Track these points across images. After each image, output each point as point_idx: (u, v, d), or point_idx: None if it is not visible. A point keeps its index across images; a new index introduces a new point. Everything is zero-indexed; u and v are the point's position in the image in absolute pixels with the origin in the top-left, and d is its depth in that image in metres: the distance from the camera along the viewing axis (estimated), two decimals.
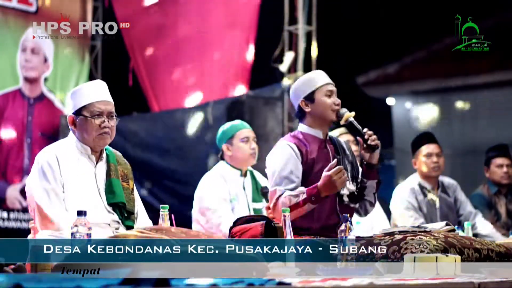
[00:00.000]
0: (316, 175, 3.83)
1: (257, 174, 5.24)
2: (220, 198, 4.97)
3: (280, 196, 3.79)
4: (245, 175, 5.13)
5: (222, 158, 5.16)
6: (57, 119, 8.04)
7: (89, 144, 3.60)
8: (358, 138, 3.92)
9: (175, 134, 7.85)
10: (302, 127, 3.99)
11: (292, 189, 3.80)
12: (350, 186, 3.93)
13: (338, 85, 4.02)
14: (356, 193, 3.95)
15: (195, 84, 8.54)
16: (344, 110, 3.92)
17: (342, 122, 3.92)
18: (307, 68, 7.85)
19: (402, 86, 11.53)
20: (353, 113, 3.90)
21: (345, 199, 3.91)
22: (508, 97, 10.62)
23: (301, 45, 7.79)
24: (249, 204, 5.05)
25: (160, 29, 8.62)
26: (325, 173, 3.72)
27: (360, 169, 4.00)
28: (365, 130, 3.88)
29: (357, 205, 3.98)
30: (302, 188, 3.79)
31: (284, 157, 3.86)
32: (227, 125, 5.19)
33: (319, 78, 3.98)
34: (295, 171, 3.84)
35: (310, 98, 3.93)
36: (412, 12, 9.94)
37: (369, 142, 3.86)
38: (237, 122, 5.23)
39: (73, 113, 3.61)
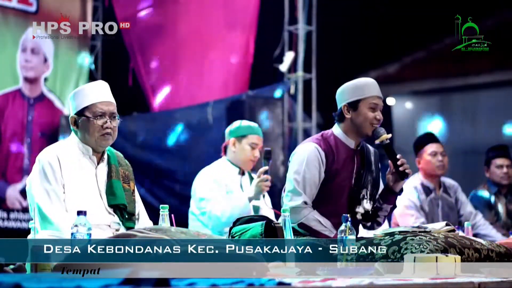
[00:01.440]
0: (336, 186, 3.87)
1: (255, 176, 5.24)
2: (213, 188, 4.97)
3: (303, 207, 3.78)
4: (243, 173, 5.15)
5: (224, 152, 5.17)
6: (57, 119, 8.04)
7: (91, 144, 3.60)
8: (389, 162, 3.86)
9: (175, 134, 7.85)
10: (337, 130, 3.94)
11: (309, 194, 3.81)
12: (367, 205, 3.92)
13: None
14: (370, 212, 3.95)
15: (195, 84, 8.53)
16: (382, 130, 3.83)
17: (377, 142, 3.84)
18: (307, 68, 7.85)
19: (402, 86, 11.52)
20: (389, 135, 3.83)
21: (359, 217, 3.92)
22: (508, 97, 10.61)
23: (301, 45, 7.79)
24: None
25: (160, 29, 8.61)
26: None
27: (381, 186, 4.00)
28: (398, 156, 3.83)
29: (368, 224, 4.00)
30: (331, 225, 3.78)
31: (309, 160, 3.84)
32: (246, 123, 5.20)
33: (369, 88, 3.89)
34: (316, 178, 3.84)
35: (353, 105, 3.87)
36: (412, 12, 9.93)
37: (401, 168, 3.81)
38: (255, 125, 5.23)
39: (75, 114, 3.61)
